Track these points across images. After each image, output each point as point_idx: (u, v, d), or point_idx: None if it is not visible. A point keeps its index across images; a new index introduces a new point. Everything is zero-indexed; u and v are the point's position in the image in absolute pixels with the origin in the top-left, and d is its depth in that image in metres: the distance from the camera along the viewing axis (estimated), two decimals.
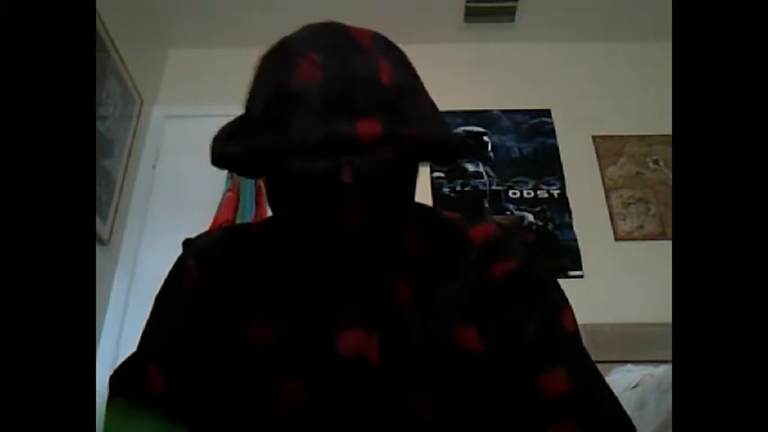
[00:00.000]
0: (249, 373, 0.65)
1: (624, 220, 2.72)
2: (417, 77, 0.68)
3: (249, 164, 0.66)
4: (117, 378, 0.72)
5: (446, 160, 0.70)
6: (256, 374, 0.65)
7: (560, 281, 0.73)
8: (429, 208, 0.80)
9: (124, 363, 0.74)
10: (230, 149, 0.64)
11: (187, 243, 0.77)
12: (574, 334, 0.69)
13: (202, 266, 0.73)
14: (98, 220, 2.35)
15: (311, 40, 0.63)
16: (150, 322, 0.74)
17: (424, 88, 0.68)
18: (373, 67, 0.61)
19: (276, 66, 0.63)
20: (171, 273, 0.76)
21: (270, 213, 0.77)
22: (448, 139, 0.66)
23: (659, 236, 2.67)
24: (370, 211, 0.63)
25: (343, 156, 0.59)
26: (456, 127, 2.94)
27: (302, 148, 0.58)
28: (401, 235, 0.72)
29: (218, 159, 0.66)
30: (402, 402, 0.63)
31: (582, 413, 0.63)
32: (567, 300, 0.71)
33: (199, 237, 0.78)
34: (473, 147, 2.91)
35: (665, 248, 2.56)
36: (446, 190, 2.79)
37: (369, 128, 0.58)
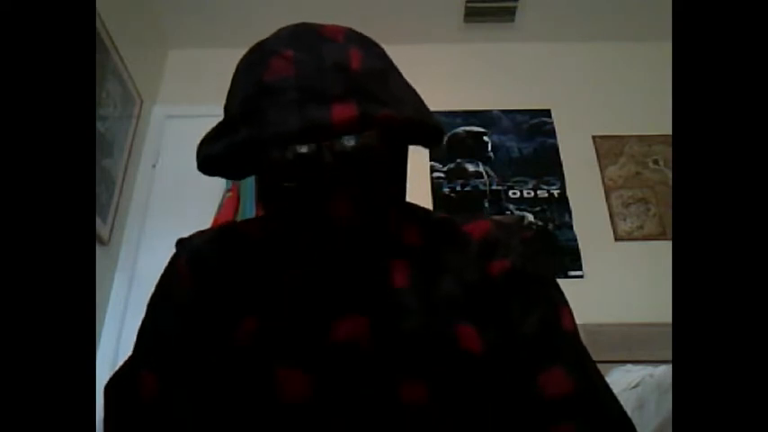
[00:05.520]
0: (247, 369, 0.65)
1: (624, 220, 2.72)
2: (392, 65, 0.69)
3: (233, 163, 0.66)
4: (111, 386, 0.72)
5: (430, 142, 0.70)
6: (254, 369, 0.65)
7: (560, 281, 0.73)
8: (423, 208, 0.81)
9: (119, 369, 0.73)
10: (210, 151, 0.65)
11: (180, 243, 0.77)
12: (573, 332, 0.69)
13: (195, 266, 0.73)
14: (98, 220, 2.34)
15: (283, 39, 0.65)
16: (144, 326, 0.74)
17: (399, 73, 0.69)
18: (344, 55, 0.63)
19: (250, 66, 0.65)
20: (163, 274, 0.76)
21: None
22: (425, 119, 0.66)
23: (659, 236, 2.66)
24: (359, 196, 0.63)
25: (321, 141, 0.60)
26: (456, 127, 2.94)
27: (281, 138, 0.60)
28: (397, 224, 0.72)
29: (202, 163, 0.67)
30: (396, 391, 0.62)
31: (583, 414, 0.63)
32: (565, 298, 0.71)
33: (191, 236, 0.78)
34: (473, 147, 2.91)
35: (665, 248, 2.55)
36: (446, 190, 2.79)
37: (344, 112, 0.59)
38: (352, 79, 0.61)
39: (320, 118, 0.59)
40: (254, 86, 0.62)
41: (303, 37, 0.65)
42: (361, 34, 0.68)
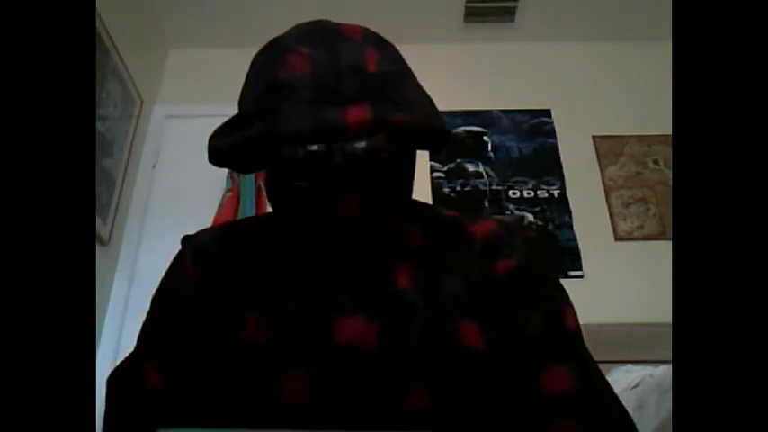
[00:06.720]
0: (250, 366, 0.65)
1: (624, 220, 2.72)
2: (407, 68, 0.69)
3: (244, 157, 0.66)
4: (114, 378, 0.72)
5: (438, 147, 0.70)
6: (257, 367, 0.65)
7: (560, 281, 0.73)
8: (429, 206, 0.81)
9: (122, 363, 0.74)
10: (222, 144, 0.65)
11: (185, 239, 0.78)
12: (576, 331, 0.69)
13: (200, 262, 0.73)
14: (98, 220, 2.34)
15: (300, 36, 0.65)
16: (148, 321, 0.74)
17: (413, 77, 0.69)
18: (361, 57, 0.63)
19: (266, 62, 0.65)
20: (168, 270, 0.76)
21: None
22: (436, 125, 0.66)
23: (659, 236, 2.66)
24: (367, 198, 0.63)
25: (334, 142, 0.60)
26: (456, 127, 2.94)
27: (293, 136, 0.60)
28: (403, 225, 0.72)
29: (213, 154, 0.67)
30: (398, 393, 0.62)
31: (584, 412, 0.63)
32: (568, 297, 0.71)
33: (196, 233, 0.78)
34: (473, 147, 2.91)
35: (665, 248, 2.55)
36: (446, 190, 2.79)
37: (358, 114, 0.60)
38: (368, 82, 0.62)
39: (334, 119, 0.59)
40: (269, 83, 0.62)
41: (320, 35, 0.65)
42: (377, 35, 0.68)
